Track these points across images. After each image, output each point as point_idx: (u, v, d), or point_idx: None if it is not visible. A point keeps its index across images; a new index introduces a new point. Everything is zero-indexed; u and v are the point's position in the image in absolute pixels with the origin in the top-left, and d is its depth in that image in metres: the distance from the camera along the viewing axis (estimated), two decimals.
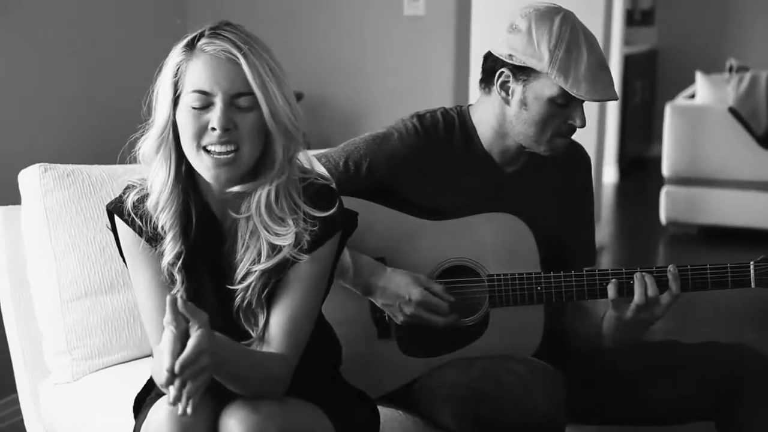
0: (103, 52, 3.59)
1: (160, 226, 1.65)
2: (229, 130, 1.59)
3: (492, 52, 1.99)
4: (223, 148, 1.60)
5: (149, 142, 1.65)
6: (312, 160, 1.76)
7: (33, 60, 3.30)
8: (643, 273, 1.91)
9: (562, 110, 1.95)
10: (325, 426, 1.67)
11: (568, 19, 1.94)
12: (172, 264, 1.65)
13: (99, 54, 3.57)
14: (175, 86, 1.62)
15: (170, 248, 1.65)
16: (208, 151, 1.60)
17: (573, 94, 1.91)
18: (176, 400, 1.42)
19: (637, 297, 1.90)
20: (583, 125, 1.97)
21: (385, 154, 2.01)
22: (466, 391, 1.87)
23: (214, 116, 1.59)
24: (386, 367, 2.00)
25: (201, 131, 1.60)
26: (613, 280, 1.92)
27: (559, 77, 1.90)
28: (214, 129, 1.59)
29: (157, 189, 1.65)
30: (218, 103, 1.59)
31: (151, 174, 1.66)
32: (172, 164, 1.64)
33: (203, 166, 1.62)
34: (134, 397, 1.78)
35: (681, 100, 6.08)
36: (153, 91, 1.66)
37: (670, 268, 1.92)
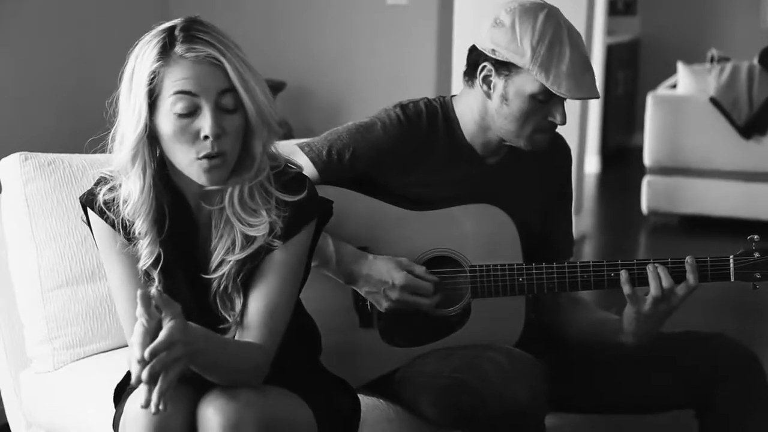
0: (84, 40, 3.57)
1: (137, 232, 1.64)
2: (220, 136, 1.58)
3: (476, 45, 1.99)
4: (215, 154, 1.58)
5: (125, 154, 1.61)
6: (279, 147, 1.72)
7: (12, 49, 3.28)
8: (656, 264, 1.92)
9: (543, 107, 1.95)
10: (306, 414, 1.67)
11: (553, 15, 1.94)
12: (150, 267, 1.64)
13: (80, 43, 3.55)
14: (151, 93, 1.57)
15: (148, 253, 1.64)
16: (199, 158, 1.58)
17: (554, 92, 1.91)
18: (147, 402, 1.39)
19: (654, 289, 1.91)
20: (563, 122, 1.97)
21: (368, 143, 2.01)
22: (446, 380, 1.87)
23: (205, 124, 1.57)
24: (368, 357, 2.01)
25: (192, 140, 1.58)
26: (624, 273, 1.92)
27: (541, 74, 1.90)
28: (206, 137, 1.57)
29: (134, 198, 1.62)
30: (206, 108, 1.57)
31: (128, 183, 1.63)
32: (149, 172, 1.61)
33: (196, 172, 1.60)
34: (115, 386, 1.78)
35: (662, 90, 6.10)
36: (118, 97, 1.61)
37: (688, 259, 1.92)
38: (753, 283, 1.97)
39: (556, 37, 1.91)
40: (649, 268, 1.91)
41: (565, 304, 2.14)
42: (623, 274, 1.92)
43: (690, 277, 1.92)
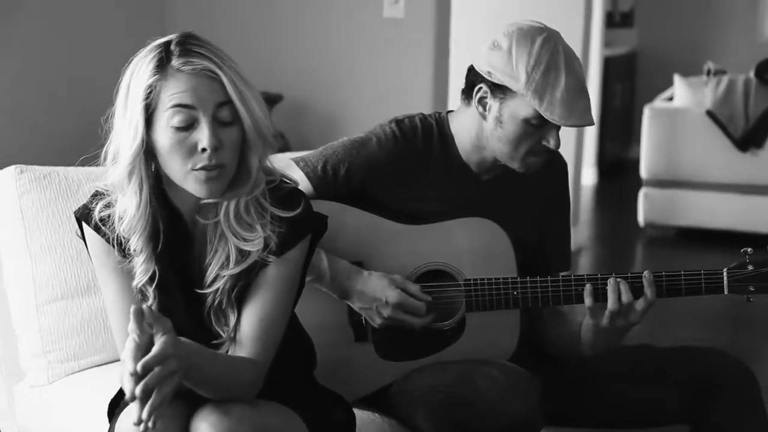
0: (82, 53, 3.58)
1: (132, 249, 1.64)
2: (218, 149, 1.58)
3: (474, 66, 1.99)
4: (212, 166, 1.58)
5: (121, 171, 1.60)
6: (274, 161, 1.72)
7: (9, 62, 3.29)
8: (618, 279, 1.92)
9: (537, 131, 1.95)
10: (300, 429, 1.66)
11: (550, 40, 1.93)
12: (146, 284, 1.64)
13: (77, 55, 3.56)
14: (147, 107, 1.57)
15: (143, 271, 1.64)
16: (196, 169, 1.58)
17: (547, 118, 1.91)
18: (140, 419, 1.38)
19: (611, 304, 1.90)
20: (557, 147, 1.97)
21: (363, 159, 2.01)
22: (441, 395, 1.88)
23: (203, 136, 1.56)
24: (363, 371, 2.01)
25: (190, 153, 1.58)
26: (588, 286, 1.92)
27: (534, 99, 1.90)
28: (204, 149, 1.57)
29: (130, 214, 1.62)
30: (204, 121, 1.57)
31: (124, 200, 1.62)
32: (145, 188, 1.61)
33: (193, 185, 1.60)
34: (109, 401, 1.78)
35: (659, 102, 6.11)
36: (113, 113, 1.61)
37: (646, 273, 1.92)
38: (746, 296, 1.97)
39: (552, 63, 1.91)
40: (610, 282, 1.91)
41: (546, 316, 2.13)
42: (587, 287, 1.92)
43: (647, 291, 1.91)
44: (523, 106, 1.92)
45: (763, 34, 8.05)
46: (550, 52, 1.91)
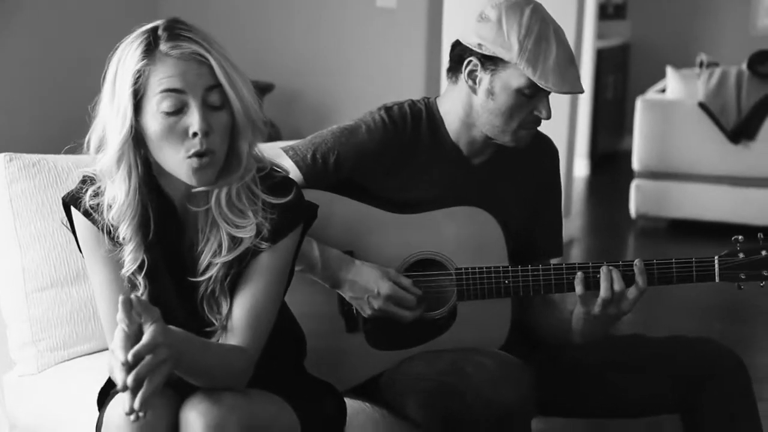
0: (72, 42, 3.56)
1: (122, 237, 1.62)
2: (208, 133, 1.57)
3: (460, 40, 1.99)
4: (204, 152, 1.57)
5: (109, 157, 1.59)
6: (264, 150, 1.71)
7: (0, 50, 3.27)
8: (610, 267, 1.92)
9: (529, 101, 1.95)
10: (290, 418, 1.66)
11: (538, 11, 1.94)
12: (135, 272, 1.63)
13: (68, 43, 3.54)
14: (135, 93, 1.56)
15: (131, 259, 1.62)
16: (188, 156, 1.57)
17: (541, 86, 1.91)
18: (131, 409, 1.38)
19: (603, 291, 1.90)
20: (548, 117, 1.97)
21: (353, 147, 2.00)
22: (432, 383, 1.87)
23: (194, 120, 1.55)
24: (354, 361, 2.00)
25: (180, 138, 1.56)
26: (579, 274, 1.92)
27: (528, 68, 1.90)
28: (195, 134, 1.56)
29: (120, 201, 1.61)
30: (193, 105, 1.56)
31: (113, 187, 1.61)
32: (134, 175, 1.60)
33: (185, 172, 1.59)
34: (99, 390, 1.77)
35: (652, 94, 6.11)
36: (99, 102, 1.60)
37: (636, 262, 1.92)
38: (738, 284, 1.97)
39: (542, 33, 1.91)
40: (603, 270, 1.91)
41: (537, 305, 2.13)
42: (578, 275, 1.92)
43: (639, 279, 1.91)
44: (515, 76, 1.92)
45: (756, 27, 8.06)
46: (539, 22, 1.92)
